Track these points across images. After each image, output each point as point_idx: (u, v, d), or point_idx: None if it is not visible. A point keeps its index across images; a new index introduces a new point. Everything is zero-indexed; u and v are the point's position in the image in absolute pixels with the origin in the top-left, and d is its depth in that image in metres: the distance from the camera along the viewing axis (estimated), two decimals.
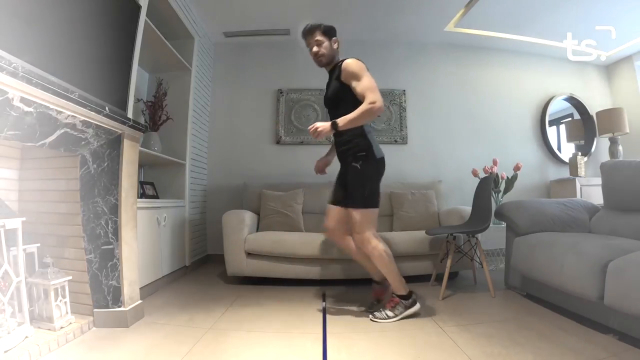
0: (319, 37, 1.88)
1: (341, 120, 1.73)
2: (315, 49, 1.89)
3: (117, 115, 1.69)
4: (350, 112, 1.73)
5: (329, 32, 1.90)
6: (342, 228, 1.95)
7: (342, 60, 1.83)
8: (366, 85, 1.73)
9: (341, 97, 1.82)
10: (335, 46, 1.92)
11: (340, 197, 1.93)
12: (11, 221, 1.37)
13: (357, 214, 1.80)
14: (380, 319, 1.80)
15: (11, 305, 1.38)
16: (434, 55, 3.79)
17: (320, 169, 2.16)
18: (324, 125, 1.77)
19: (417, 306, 1.85)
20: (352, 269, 2.39)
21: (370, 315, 1.84)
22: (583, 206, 2.31)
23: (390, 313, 1.81)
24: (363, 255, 1.93)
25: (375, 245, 1.81)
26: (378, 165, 1.86)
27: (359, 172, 1.82)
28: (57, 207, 1.74)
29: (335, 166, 2.05)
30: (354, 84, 1.77)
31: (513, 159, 3.35)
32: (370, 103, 1.69)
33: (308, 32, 1.91)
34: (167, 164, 2.82)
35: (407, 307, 1.82)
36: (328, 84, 1.95)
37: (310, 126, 1.79)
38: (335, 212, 1.95)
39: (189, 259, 2.93)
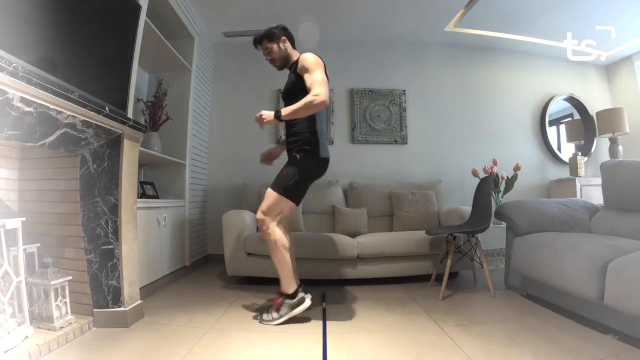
0: (267, 45, 1.94)
1: (285, 110, 1.75)
2: (267, 57, 1.96)
3: (117, 115, 1.69)
4: None
5: (274, 36, 1.92)
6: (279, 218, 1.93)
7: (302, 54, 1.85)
8: (315, 79, 1.74)
9: (296, 90, 1.81)
10: (284, 46, 1.93)
11: None
12: (11, 221, 1.37)
13: (272, 195, 1.82)
14: (266, 321, 1.77)
15: (11, 305, 1.38)
16: (434, 55, 3.79)
17: (266, 158, 2.16)
18: (267, 114, 1.79)
19: (305, 303, 1.78)
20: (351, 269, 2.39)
21: (259, 318, 1.82)
22: (583, 206, 2.31)
23: (275, 314, 1.77)
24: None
25: (273, 231, 1.80)
26: (318, 163, 1.87)
27: (296, 161, 1.84)
28: (57, 207, 1.74)
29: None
30: (306, 76, 1.77)
31: (513, 159, 3.35)
32: (314, 95, 1.70)
33: (257, 45, 1.96)
34: (167, 164, 2.82)
35: (292, 307, 1.77)
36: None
37: (257, 113, 1.81)
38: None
39: (188, 259, 2.92)
